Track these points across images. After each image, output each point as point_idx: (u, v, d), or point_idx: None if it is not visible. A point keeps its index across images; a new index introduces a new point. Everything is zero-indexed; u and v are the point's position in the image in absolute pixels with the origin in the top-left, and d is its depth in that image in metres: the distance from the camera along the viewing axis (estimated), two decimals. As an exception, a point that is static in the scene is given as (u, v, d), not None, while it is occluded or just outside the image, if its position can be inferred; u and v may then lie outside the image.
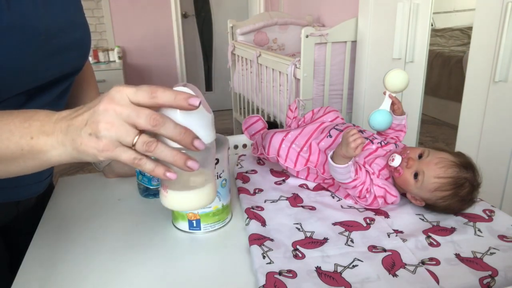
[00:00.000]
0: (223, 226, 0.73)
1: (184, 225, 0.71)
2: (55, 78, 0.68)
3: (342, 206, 0.79)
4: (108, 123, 0.42)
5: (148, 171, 0.45)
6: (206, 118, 0.49)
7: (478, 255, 0.63)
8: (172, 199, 0.54)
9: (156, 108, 0.45)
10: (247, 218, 0.73)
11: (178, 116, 0.46)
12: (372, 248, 0.65)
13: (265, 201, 0.81)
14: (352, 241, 0.67)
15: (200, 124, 0.48)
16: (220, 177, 0.69)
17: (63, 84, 0.71)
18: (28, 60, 0.59)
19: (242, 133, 1.01)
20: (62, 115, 0.46)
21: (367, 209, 0.78)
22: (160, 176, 0.46)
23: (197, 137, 0.45)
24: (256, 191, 0.85)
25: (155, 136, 0.45)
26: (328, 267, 0.61)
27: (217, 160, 0.67)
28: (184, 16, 4.32)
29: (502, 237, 0.68)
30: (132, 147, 0.43)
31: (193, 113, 0.46)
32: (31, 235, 0.71)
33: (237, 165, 0.98)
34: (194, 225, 0.71)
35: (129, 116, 0.42)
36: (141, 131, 0.44)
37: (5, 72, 0.56)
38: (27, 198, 0.77)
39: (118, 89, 0.43)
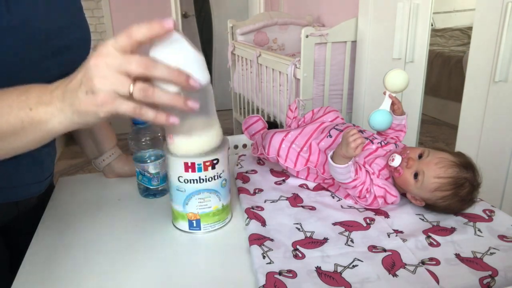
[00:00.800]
0: (223, 226, 0.73)
1: (184, 225, 0.71)
2: (55, 78, 0.68)
3: (342, 206, 0.79)
4: (101, 77, 0.43)
5: (150, 118, 0.46)
6: (197, 59, 0.49)
7: (478, 255, 0.63)
8: (178, 144, 0.55)
9: (137, 48, 0.45)
10: (247, 218, 0.73)
11: (168, 60, 0.46)
12: (372, 248, 0.65)
13: (265, 201, 0.81)
14: (352, 241, 0.67)
15: (192, 66, 0.48)
16: (220, 177, 0.69)
17: (63, 84, 0.71)
18: (28, 60, 0.59)
19: (242, 133, 1.01)
20: (56, 85, 0.47)
21: (367, 209, 0.78)
22: (162, 122, 0.46)
23: (191, 76, 0.46)
24: (256, 191, 0.85)
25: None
26: (328, 267, 0.61)
27: (217, 160, 0.67)
28: (184, 16, 4.31)
29: (502, 237, 0.68)
30: (129, 96, 0.44)
31: (182, 54, 0.47)
32: (31, 235, 0.71)
33: (237, 165, 0.98)
34: (194, 225, 0.71)
35: (121, 65, 0.43)
36: (135, 80, 0.44)
37: (5, 72, 0.56)
38: (26, 198, 0.77)
39: (103, 44, 0.44)
